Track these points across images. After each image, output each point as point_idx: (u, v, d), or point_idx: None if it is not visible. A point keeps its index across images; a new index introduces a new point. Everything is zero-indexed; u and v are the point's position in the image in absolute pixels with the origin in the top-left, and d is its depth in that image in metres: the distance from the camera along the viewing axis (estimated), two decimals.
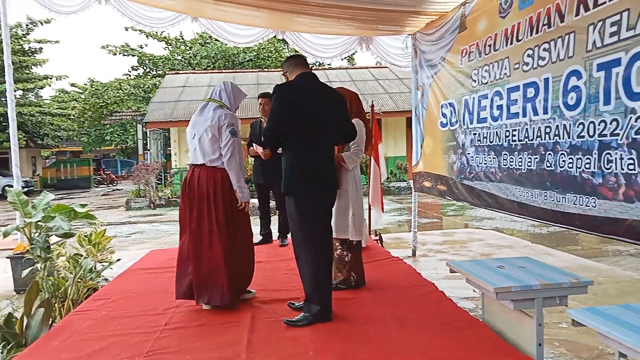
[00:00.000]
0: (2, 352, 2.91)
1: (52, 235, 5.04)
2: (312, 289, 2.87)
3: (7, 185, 21.79)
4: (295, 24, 5.98)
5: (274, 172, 3.82)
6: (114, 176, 28.46)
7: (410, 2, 5.02)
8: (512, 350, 2.40)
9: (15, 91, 23.38)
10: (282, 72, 3.22)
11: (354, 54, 23.72)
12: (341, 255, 3.53)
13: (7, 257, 5.44)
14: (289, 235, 5.14)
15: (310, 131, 2.90)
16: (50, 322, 3.19)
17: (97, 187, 26.63)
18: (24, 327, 3.11)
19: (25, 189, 20.94)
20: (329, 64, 22.07)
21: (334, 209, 3.29)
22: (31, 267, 4.77)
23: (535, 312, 2.45)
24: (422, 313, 2.97)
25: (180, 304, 3.27)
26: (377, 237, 5.77)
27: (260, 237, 5.44)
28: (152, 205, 13.97)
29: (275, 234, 5.55)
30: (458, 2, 4.78)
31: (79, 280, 4.06)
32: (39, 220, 5.04)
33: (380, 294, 3.39)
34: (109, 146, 29.00)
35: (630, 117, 2.66)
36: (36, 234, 5.11)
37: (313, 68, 18.47)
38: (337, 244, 3.52)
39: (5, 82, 19.59)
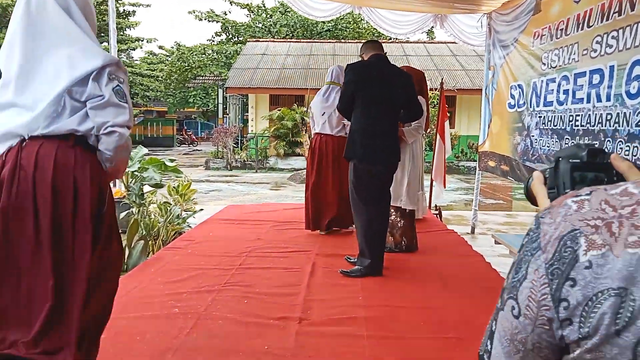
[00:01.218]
0: None
1: (145, 184, 5.79)
2: (365, 245, 3.26)
3: None
4: (372, 0, 6.20)
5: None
6: (194, 137, 30.14)
7: None
8: None
9: (108, 51, 25.31)
10: (359, 54, 3.55)
11: (430, 30, 23.24)
12: (394, 221, 3.88)
13: None
14: None
15: (374, 106, 3.24)
16: (147, 254, 3.83)
17: (179, 146, 28.38)
18: (125, 256, 3.76)
19: None
20: (407, 38, 21.82)
21: None
22: (127, 211, 5.52)
23: None
24: (465, 278, 3.27)
25: (253, 249, 3.79)
26: (437, 212, 6.02)
27: None
28: (229, 166, 14.88)
29: None
30: None
31: (169, 223, 4.71)
32: (135, 171, 5.80)
33: (428, 259, 3.72)
34: (191, 108, 30.60)
35: None
36: (132, 182, 5.88)
37: (391, 41, 18.47)
38: (392, 210, 3.86)
39: (102, 43, 21.09)
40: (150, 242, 4.08)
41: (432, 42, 21.57)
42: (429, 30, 19.10)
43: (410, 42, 20.38)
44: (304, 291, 2.93)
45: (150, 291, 2.87)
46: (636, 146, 3.21)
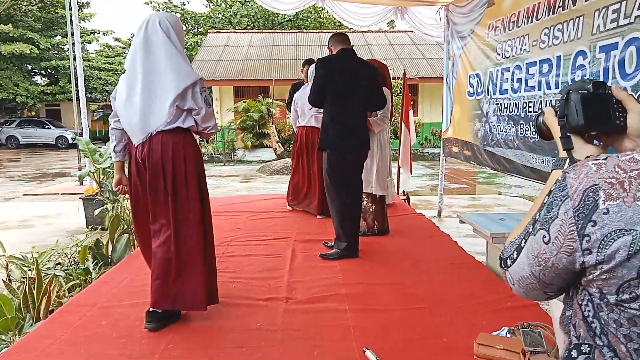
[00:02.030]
0: (94, 269, 3.68)
1: None
2: (341, 229, 3.49)
3: (59, 136, 23.26)
4: None
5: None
6: None
7: None
8: (505, 285, 2.95)
9: (65, 45, 24.35)
10: (327, 46, 3.73)
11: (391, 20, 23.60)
12: (366, 207, 4.13)
13: (80, 198, 6.29)
14: None
15: (344, 97, 3.46)
16: (131, 247, 3.94)
17: None
18: (109, 251, 3.87)
19: (75, 140, 22.34)
20: (369, 29, 22.09)
21: None
22: (101, 208, 5.57)
23: None
24: (433, 256, 3.56)
25: (233, 239, 3.96)
26: (405, 197, 6.31)
27: None
28: None
29: None
30: None
31: None
32: (107, 167, 5.84)
33: (399, 240, 4.00)
34: None
35: None
36: (104, 179, 5.92)
37: (353, 31, 18.67)
38: (364, 196, 4.10)
39: (56, 36, 20.37)
40: (131, 236, 4.18)
41: (393, 31, 21.93)
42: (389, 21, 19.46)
43: (372, 32, 20.66)
44: (287, 274, 3.14)
45: (140, 281, 3.01)
46: None
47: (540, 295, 0.83)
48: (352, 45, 3.65)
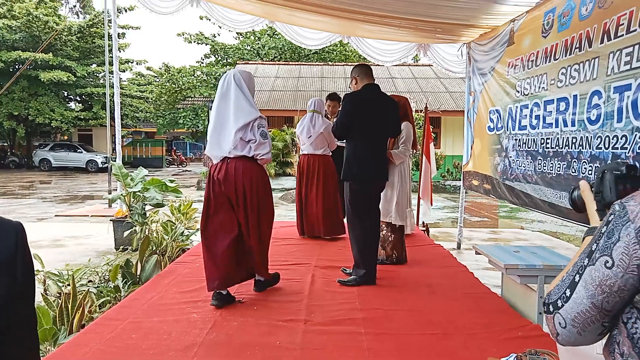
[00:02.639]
0: (123, 287, 3.87)
1: (147, 204, 6.09)
2: (360, 257, 3.62)
3: (89, 160, 24.05)
4: (360, 30, 6.67)
5: (336, 162, 4.84)
6: (183, 157, 30.37)
7: (466, 16, 5.58)
8: (518, 316, 3.03)
9: (100, 73, 25.37)
10: (352, 76, 3.90)
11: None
12: (385, 236, 4.25)
13: (110, 220, 6.56)
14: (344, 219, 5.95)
15: (368, 131, 3.65)
16: (159, 268, 4.13)
17: (167, 167, 28.59)
18: (139, 270, 4.07)
19: (106, 164, 23.11)
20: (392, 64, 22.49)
21: (382, 196, 4.01)
22: (130, 230, 5.81)
23: (538, 287, 3.07)
24: (450, 285, 3.64)
25: None
26: (424, 228, 6.40)
27: None
28: None
29: None
30: (508, 18, 5.29)
31: (173, 240, 5.02)
32: (138, 191, 6.10)
33: (417, 269, 4.09)
34: (181, 129, 30.89)
35: (636, 134, 3.18)
36: (134, 202, 6.18)
37: (377, 64, 19.05)
38: (383, 225, 4.23)
39: (92, 64, 21.27)
40: (160, 257, 4.38)
41: (416, 65, 22.26)
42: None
43: (396, 65, 21.00)
44: (307, 298, 3.27)
45: (168, 300, 3.18)
46: (597, 166, 3.63)
47: (596, 330, 0.83)
48: (374, 79, 3.85)
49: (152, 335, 2.58)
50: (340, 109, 3.73)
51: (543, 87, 4.53)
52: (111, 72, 29.33)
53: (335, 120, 3.91)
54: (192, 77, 25.57)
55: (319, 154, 5.39)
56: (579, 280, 0.82)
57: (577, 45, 3.93)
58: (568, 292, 0.84)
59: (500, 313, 3.03)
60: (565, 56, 4.12)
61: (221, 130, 3.15)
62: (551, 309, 0.87)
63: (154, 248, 4.58)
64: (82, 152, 24.44)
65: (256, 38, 27.29)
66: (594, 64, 3.70)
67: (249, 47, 27.18)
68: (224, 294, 3.18)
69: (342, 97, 5.14)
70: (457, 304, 3.20)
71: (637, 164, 3.16)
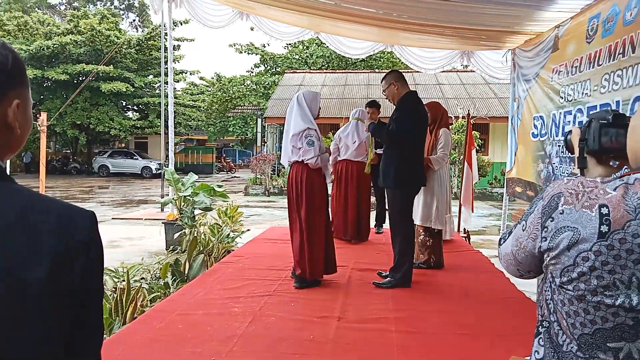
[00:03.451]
0: (172, 284, 4.14)
1: (196, 208, 6.41)
2: (400, 259, 3.71)
3: (145, 167, 25.16)
4: (402, 39, 6.76)
5: (376, 170, 4.89)
6: (232, 164, 31.21)
7: (510, 23, 5.57)
8: None
9: (156, 83, 26.53)
10: (390, 81, 3.96)
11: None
12: (424, 240, 4.32)
13: (162, 223, 6.94)
14: (384, 225, 6.05)
15: (419, 139, 3.81)
16: (205, 267, 4.39)
17: (217, 173, 29.46)
18: (186, 269, 4.33)
19: (160, 170, 24.10)
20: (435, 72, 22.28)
21: (420, 202, 4.11)
22: (180, 232, 6.13)
23: None
24: (484, 289, 3.67)
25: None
26: (465, 235, 6.38)
27: None
28: (266, 192, 15.56)
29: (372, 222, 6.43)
30: (553, 24, 5.24)
31: (219, 242, 5.28)
32: (188, 195, 6.43)
33: (453, 274, 4.14)
34: (231, 136, 31.77)
35: None
36: (184, 206, 6.51)
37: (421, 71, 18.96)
38: (421, 230, 4.30)
39: (149, 76, 22.24)
40: (206, 257, 4.64)
41: (464, 71, 21.93)
42: None
43: (444, 71, 20.81)
44: (342, 297, 3.40)
45: (212, 295, 3.40)
46: None
47: (515, 272, 1.07)
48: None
49: (196, 327, 2.80)
50: (397, 115, 3.76)
51: (586, 93, 4.46)
52: (166, 83, 30.70)
53: (391, 127, 3.80)
54: (242, 86, 26.29)
55: (358, 160, 5.57)
56: (513, 232, 1.05)
57: (621, 51, 3.88)
58: (507, 236, 1.07)
59: (532, 317, 3.03)
60: (609, 62, 4.07)
61: (285, 141, 3.91)
62: (500, 243, 1.12)
63: (201, 249, 4.84)
64: (137, 159, 25.62)
65: (304, 47, 27.74)
66: (637, 70, 3.64)
67: (297, 56, 27.68)
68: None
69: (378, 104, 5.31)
70: (490, 307, 3.23)
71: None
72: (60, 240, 0.76)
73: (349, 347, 2.54)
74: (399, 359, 2.40)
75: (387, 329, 2.79)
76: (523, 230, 0.99)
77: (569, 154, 4.48)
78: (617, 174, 0.98)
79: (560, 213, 0.89)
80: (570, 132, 1.22)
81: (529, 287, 4.31)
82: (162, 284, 4.04)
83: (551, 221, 0.91)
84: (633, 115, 0.98)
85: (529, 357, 2.23)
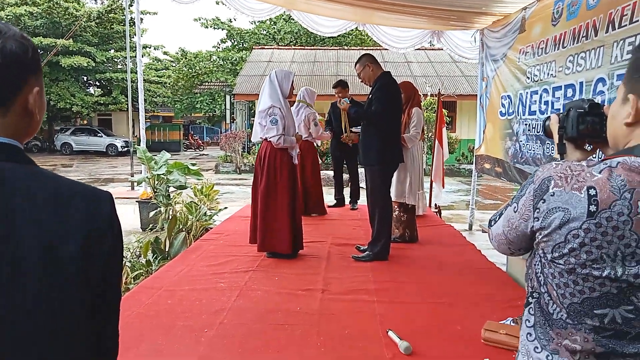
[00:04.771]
0: (153, 262, 4.19)
1: (170, 186, 6.40)
2: (379, 233, 3.87)
3: (110, 144, 24.56)
4: (375, 17, 6.81)
5: (349, 147, 5.03)
6: (200, 142, 30.80)
7: (479, 4, 5.71)
8: (519, 288, 3.25)
9: (119, 58, 25.70)
10: (364, 63, 4.01)
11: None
12: (399, 216, 4.49)
13: (135, 202, 6.90)
14: (358, 201, 6.21)
15: (396, 118, 3.92)
16: (186, 244, 4.44)
17: (185, 150, 29.04)
18: (167, 246, 4.38)
19: (125, 148, 23.60)
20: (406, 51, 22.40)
21: (394, 178, 4.25)
22: (155, 210, 6.13)
23: None
24: (457, 261, 3.88)
25: None
26: (437, 210, 6.62)
27: (335, 201, 6.50)
28: (237, 170, 15.52)
29: (347, 199, 6.59)
30: (520, 6, 5.41)
31: (197, 220, 5.33)
32: (162, 174, 6.41)
33: (427, 247, 4.34)
34: (198, 113, 31.24)
35: None
36: (159, 184, 6.49)
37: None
38: (396, 206, 4.47)
39: (111, 50, 21.50)
40: (186, 234, 4.69)
41: (432, 49, 22.15)
42: None
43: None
44: (324, 271, 3.55)
45: (196, 272, 3.49)
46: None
47: (506, 250, 1.15)
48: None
49: (185, 301, 2.89)
50: (377, 95, 3.83)
51: (552, 74, 4.67)
52: (132, 57, 29.91)
53: (373, 107, 3.87)
54: (209, 62, 25.78)
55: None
56: (503, 213, 1.14)
57: (584, 34, 4.07)
58: (497, 217, 1.16)
59: (504, 285, 3.27)
60: (573, 44, 4.27)
61: (255, 117, 4.06)
62: (490, 224, 1.21)
63: (181, 227, 4.88)
64: (102, 136, 24.98)
65: (272, 23, 27.32)
66: (599, 53, 3.85)
67: (264, 32, 27.26)
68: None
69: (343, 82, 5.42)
70: (463, 278, 3.44)
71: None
72: (89, 218, 0.82)
73: (335, 317, 2.69)
74: (382, 325, 2.56)
75: (368, 300, 2.96)
76: (515, 212, 1.07)
77: (538, 134, 4.67)
78: (599, 158, 1.09)
79: (551, 195, 0.99)
80: (548, 118, 1.32)
81: (497, 258, 4.57)
82: (144, 262, 4.09)
83: (542, 203, 1.00)
84: (611, 104, 1.10)
85: (503, 321, 2.43)
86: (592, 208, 0.95)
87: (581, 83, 4.12)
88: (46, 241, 0.77)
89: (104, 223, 0.84)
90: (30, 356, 0.77)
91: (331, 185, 6.56)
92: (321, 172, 6.17)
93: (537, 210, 1.01)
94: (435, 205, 6.85)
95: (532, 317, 1.11)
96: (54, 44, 20.51)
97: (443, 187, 6.81)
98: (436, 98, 9.12)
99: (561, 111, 1.29)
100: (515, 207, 1.07)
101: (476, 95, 17.31)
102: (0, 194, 0.75)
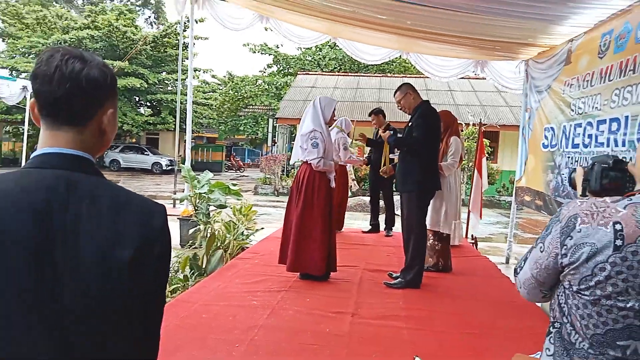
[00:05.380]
0: (190, 277, 4.31)
1: (211, 205, 6.59)
2: (412, 261, 3.87)
3: (155, 162, 25.41)
4: (418, 46, 6.90)
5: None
6: (241, 163, 31.45)
7: (524, 35, 5.71)
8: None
9: (169, 80, 26.79)
10: (405, 91, 4.10)
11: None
12: (433, 244, 4.47)
13: (177, 219, 7.13)
14: (393, 229, 6.21)
15: (434, 147, 4.00)
16: (223, 262, 4.56)
17: (226, 171, 29.68)
18: (204, 263, 4.51)
19: (170, 167, 24.39)
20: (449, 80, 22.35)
21: (430, 207, 4.25)
22: (195, 228, 6.31)
23: None
24: (491, 293, 3.82)
25: None
26: (473, 241, 6.52)
27: (370, 227, 6.52)
28: (276, 192, 15.75)
29: (382, 225, 6.59)
30: (566, 38, 5.38)
31: (234, 239, 5.46)
32: (204, 193, 6.61)
33: (461, 277, 4.29)
34: (241, 135, 31.98)
35: None
36: (200, 203, 6.69)
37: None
38: (430, 235, 4.45)
39: (163, 72, 22.35)
40: (224, 252, 4.82)
41: (476, 78, 21.98)
42: None
43: (458, 78, 20.84)
44: (355, 295, 3.57)
45: (231, 289, 3.58)
46: None
47: (537, 294, 1.16)
48: None
49: (219, 317, 2.97)
50: (418, 123, 3.89)
51: (596, 107, 4.59)
52: (183, 80, 31.21)
53: (414, 134, 3.92)
54: (255, 86, 26.49)
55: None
56: (528, 257, 1.16)
57: (632, 68, 4.01)
58: (522, 264, 1.18)
59: (537, 319, 3.19)
60: (620, 78, 4.20)
61: (296, 140, 4.21)
62: (515, 272, 1.22)
63: (218, 244, 5.02)
64: (148, 154, 25.92)
65: (317, 49, 27.86)
66: None
67: (310, 58, 27.82)
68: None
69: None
70: (496, 310, 3.38)
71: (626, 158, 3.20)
72: (143, 228, 0.90)
73: (364, 341, 2.70)
74: (409, 352, 2.55)
75: (398, 326, 2.95)
76: (541, 252, 1.10)
77: (579, 165, 4.61)
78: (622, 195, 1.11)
79: (578, 232, 1.02)
80: (574, 170, 1.36)
81: None
82: (182, 276, 4.22)
83: (570, 239, 1.04)
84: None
85: (533, 355, 2.38)
86: (618, 242, 0.98)
87: (627, 117, 4.04)
88: (103, 245, 0.85)
89: (156, 232, 0.91)
90: (83, 347, 0.83)
91: (367, 211, 6.58)
92: (358, 197, 6.26)
93: (565, 246, 1.04)
94: (472, 236, 6.74)
95: (552, 347, 1.13)
96: (111, 65, 21.61)
97: (480, 218, 6.72)
98: (477, 127, 9.06)
99: (604, 144, 1.33)
100: (541, 247, 1.11)
101: (519, 126, 17.01)
102: (72, 200, 0.85)
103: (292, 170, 17.80)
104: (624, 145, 4.05)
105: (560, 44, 5.64)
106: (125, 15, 25.48)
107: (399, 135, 4.20)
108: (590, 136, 4.72)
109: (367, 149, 6.74)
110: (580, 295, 1.04)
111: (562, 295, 1.09)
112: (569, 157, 5.25)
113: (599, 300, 1.01)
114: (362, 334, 2.79)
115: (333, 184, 4.11)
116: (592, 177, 1.25)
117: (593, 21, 4.65)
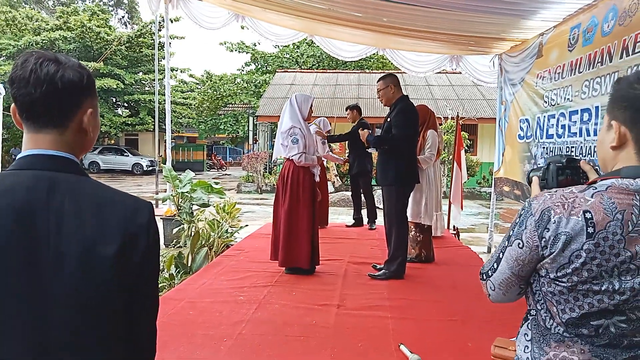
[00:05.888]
0: (176, 275, 4.34)
1: (194, 204, 6.59)
2: (396, 252, 3.95)
3: (135, 163, 25.13)
4: (395, 43, 6.99)
5: (364, 167, 5.30)
6: (223, 162, 31.30)
7: (497, 30, 5.84)
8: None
9: (146, 81, 26.47)
10: (387, 84, 4.14)
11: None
12: (415, 236, 4.57)
13: (160, 218, 7.11)
14: (376, 222, 6.31)
15: (414, 140, 4.08)
16: (208, 259, 4.59)
17: (208, 170, 29.52)
18: (190, 261, 4.53)
19: (150, 167, 24.15)
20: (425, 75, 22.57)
21: (410, 199, 4.35)
22: (178, 227, 6.32)
23: None
24: (472, 281, 3.90)
25: None
26: (455, 232, 6.65)
27: (353, 221, 6.60)
28: (259, 190, 15.76)
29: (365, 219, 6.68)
30: (537, 32, 5.52)
31: (218, 237, 5.49)
32: (186, 192, 6.61)
33: (443, 267, 4.40)
34: (222, 134, 31.81)
35: None
36: (182, 202, 6.69)
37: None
38: (412, 226, 4.55)
39: (139, 73, 22.11)
40: (209, 250, 4.84)
41: (453, 72, 22.26)
42: None
43: (435, 73, 21.05)
44: (340, 288, 3.64)
45: (217, 285, 3.62)
46: None
47: (515, 291, 1.17)
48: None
49: (206, 313, 3.01)
50: (398, 119, 3.94)
51: (568, 98, 4.74)
52: (160, 80, 30.82)
53: (394, 131, 3.96)
54: (233, 84, 26.37)
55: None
56: (502, 257, 1.17)
57: (599, 60, 4.16)
58: (495, 265, 1.18)
59: (518, 306, 3.30)
60: (589, 69, 4.35)
61: (277, 138, 4.24)
62: (484, 277, 1.22)
63: (203, 243, 5.04)
64: (128, 155, 25.63)
65: (295, 47, 27.85)
66: (614, 78, 3.92)
67: (287, 56, 27.80)
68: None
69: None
70: (477, 297, 3.47)
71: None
72: (127, 224, 0.92)
73: (349, 332, 2.77)
74: (394, 340, 2.63)
75: (383, 316, 3.03)
76: (521, 248, 1.12)
77: (553, 155, 4.76)
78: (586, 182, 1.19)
79: (554, 223, 1.08)
80: (533, 169, 1.44)
81: None
82: (167, 275, 4.24)
83: (547, 232, 1.08)
84: (599, 132, 1.21)
85: (513, 338, 2.48)
86: (590, 230, 1.05)
87: (597, 107, 4.19)
88: (86, 241, 0.87)
89: (141, 228, 0.93)
90: (69, 345, 0.86)
91: (350, 206, 6.66)
92: (341, 192, 6.35)
93: (544, 239, 1.09)
94: (454, 227, 6.88)
95: (530, 332, 1.18)
96: (86, 66, 21.28)
97: (462, 209, 6.85)
98: (455, 121, 9.22)
99: (577, 134, 1.42)
100: (519, 243, 1.12)
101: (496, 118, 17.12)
102: (54, 199, 0.87)
103: (275, 167, 17.82)
104: (595, 134, 4.20)
105: (531, 37, 5.78)
106: (98, 16, 25.08)
107: (369, 130, 4.35)
108: (563, 126, 4.87)
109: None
110: (557, 282, 1.09)
111: (536, 283, 1.14)
112: (544, 148, 5.40)
113: (576, 285, 1.07)
114: (347, 325, 2.87)
115: (317, 178, 4.18)
116: (549, 176, 1.33)
117: (562, 15, 4.79)
